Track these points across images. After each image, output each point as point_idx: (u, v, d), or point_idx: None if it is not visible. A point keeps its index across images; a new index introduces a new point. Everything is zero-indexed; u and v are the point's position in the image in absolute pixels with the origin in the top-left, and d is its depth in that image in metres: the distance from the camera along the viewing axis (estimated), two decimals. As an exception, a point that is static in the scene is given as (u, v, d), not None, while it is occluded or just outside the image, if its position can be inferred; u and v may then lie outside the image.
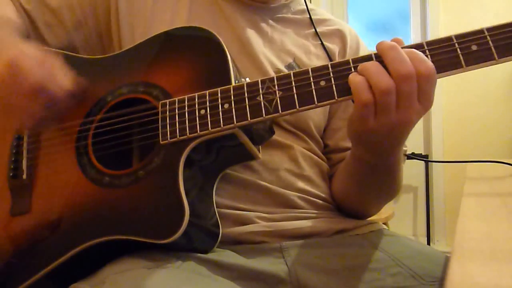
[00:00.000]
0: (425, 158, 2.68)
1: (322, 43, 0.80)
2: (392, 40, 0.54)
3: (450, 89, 2.59)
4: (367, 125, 0.54)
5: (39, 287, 0.61)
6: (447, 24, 2.72)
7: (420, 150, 2.76)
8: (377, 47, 0.53)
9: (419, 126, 2.80)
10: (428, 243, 2.62)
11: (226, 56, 0.60)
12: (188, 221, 0.54)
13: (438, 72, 0.52)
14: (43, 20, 0.74)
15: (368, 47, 0.88)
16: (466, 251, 0.34)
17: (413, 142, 2.76)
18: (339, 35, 0.83)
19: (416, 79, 0.51)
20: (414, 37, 2.90)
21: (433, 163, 2.70)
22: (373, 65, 0.52)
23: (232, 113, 0.57)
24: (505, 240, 0.38)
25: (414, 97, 0.51)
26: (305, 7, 0.83)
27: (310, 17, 0.82)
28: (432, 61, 0.52)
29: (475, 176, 0.77)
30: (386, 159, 0.64)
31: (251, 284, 0.61)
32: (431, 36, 2.75)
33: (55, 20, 0.74)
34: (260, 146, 0.66)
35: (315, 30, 0.81)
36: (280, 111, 0.55)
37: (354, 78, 0.53)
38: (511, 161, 0.81)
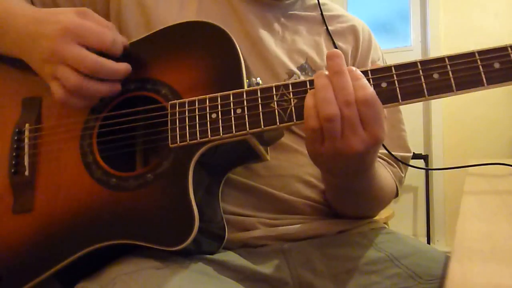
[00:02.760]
0: (425, 158, 2.67)
1: (334, 44, 0.78)
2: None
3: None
4: (316, 149, 0.54)
5: (42, 286, 0.60)
6: (447, 24, 2.72)
7: (420, 150, 2.76)
8: (328, 67, 0.53)
9: (419, 126, 2.80)
10: (428, 243, 2.62)
11: (239, 56, 0.58)
12: (197, 229, 0.54)
13: (458, 90, 0.50)
14: (42, 2, 0.73)
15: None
16: (466, 251, 0.34)
17: (413, 142, 2.74)
18: (352, 31, 0.81)
19: (356, 105, 0.50)
20: (414, 37, 2.90)
21: (433, 162, 2.69)
22: (322, 89, 0.51)
23: (245, 119, 0.55)
24: (505, 240, 0.38)
25: (357, 124, 0.50)
26: (317, 2, 0.80)
27: (322, 15, 0.80)
28: (453, 77, 0.50)
29: (475, 176, 0.77)
30: (351, 182, 0.63)
31: (256, 286, 0.61)
32: (431, 36, 2.75)
33: (52, 5, 0.73)
34: (268, 148, 0.65)
35: (327, 29, 0.79)
36: (295, 120, 0.54)
37: (307, 102, 0.52)
38: (511, 161, 0.81)
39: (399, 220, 2.62)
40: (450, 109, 2.68)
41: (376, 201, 0.73)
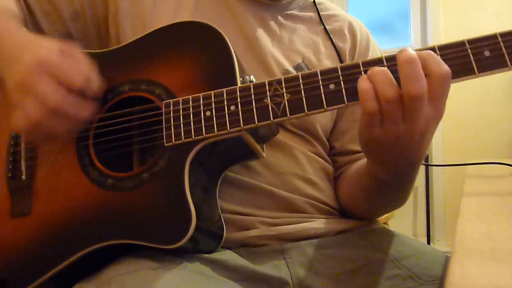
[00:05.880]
0: (425, 157, 2.67)
1: (332, 43, 0.78)
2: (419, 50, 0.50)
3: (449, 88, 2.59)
4: (373, 133, 0.52)
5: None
6: (447, 24, 2.72)
7: (420, 150, 2.76)
8: (397, 56, 0.50)
9: (419, 126, 2.80)
10: (428, 243, 2.61)
11: (231, 55, 0.58)
12: (194, 226, 0.54)
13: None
14: (41, 8, 0.73)
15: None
16: (466, 251, 0.34)
17: (413, 142, 2.75)
18: (350, 30, 0.81)
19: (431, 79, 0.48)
20: (414, 37, 2.90)
21: (433, 161, 2.69)
22: (381, 72, 0.49)
23: (239, 115, 0.55)
24: (505, 240, 0.38)
25: (423, 103, 0.48)
26: (313, 1, 0.80)
27: (319, 15, 0.80)
28: None
29: (475, 176, 0.77)
30: (400, 178, 0.61)
31: (255, 286, 0.61)
32: (431, 36, 2.75)
33: (53, 9, 0.73)
34: (264, 145, 0.65)
35: (325, 29, 0.79)
36: (288, 115, 0.54)
37: (362, 85, 0.50)
38: (511, 161, 0.81)
39: (399, 220, 2.61)
40: (450, 109, 2.65)
41: (404, 198, 0.71)
